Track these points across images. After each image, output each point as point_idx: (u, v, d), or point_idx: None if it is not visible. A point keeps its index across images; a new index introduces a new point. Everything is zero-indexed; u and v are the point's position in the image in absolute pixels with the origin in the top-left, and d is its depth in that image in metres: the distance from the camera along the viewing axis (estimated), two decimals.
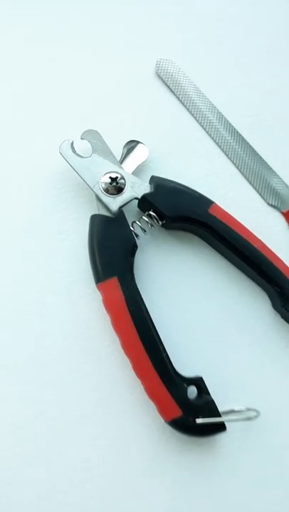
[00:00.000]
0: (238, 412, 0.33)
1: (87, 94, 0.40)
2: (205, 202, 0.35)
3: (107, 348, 0.35)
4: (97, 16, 0.42)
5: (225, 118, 0.41)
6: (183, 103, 0.41)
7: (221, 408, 0.32)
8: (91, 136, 0.35)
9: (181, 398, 0.32)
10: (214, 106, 0.41)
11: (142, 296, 0.33)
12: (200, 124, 0.40)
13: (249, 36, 0.43)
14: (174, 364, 0.32)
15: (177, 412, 0.32)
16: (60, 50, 0.41)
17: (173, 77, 0.41)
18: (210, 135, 0.40)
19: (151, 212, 0.35)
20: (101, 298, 0.33)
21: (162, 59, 0.41)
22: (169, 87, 0.41)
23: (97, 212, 0.34)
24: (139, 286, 0.33)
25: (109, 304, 0.33)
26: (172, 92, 0.41)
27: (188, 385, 0.32)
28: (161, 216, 0.35)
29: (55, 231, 0.36)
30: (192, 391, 0.33)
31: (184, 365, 0.33)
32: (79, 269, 0.36)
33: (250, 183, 0.39)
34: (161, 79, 0.41)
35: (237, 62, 0.42)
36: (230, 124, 0.41)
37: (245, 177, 0.39)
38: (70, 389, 0.34)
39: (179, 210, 0.34)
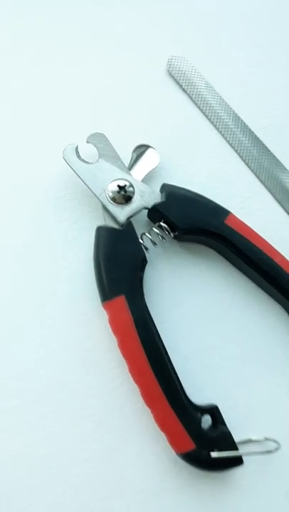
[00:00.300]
0: (256, 442, 0.31)
1: (93, 95, 0.37)
2: (221, 212, 0.32)
3: (113, 372, 0.32)
4: (105, 12, 0.40)
5: (242, 120, 0.38)
6: (196, 104, 0.38)
7: (237, 438, 0.30)
8: (97, 139, 0.33)
9: (194, 429, 0.29)
10: (230, 107, 0.38)
11: (152, 316, 0.30)
12: (215, 126, 0.38)
13: (267, 33, 0.40)
14: (186, 391, 0.30)
15: (190, 445, 0.29)
16: (65, 48, 0.38)
17: (186, 75, 0.38)
18: (226, 139, 0.37)
19: (162, 224, 0.32)
20: (107, 318, 0.31)
21: (174, 56, 0.38)
22: (181, 86, 0.38)
23: (103, 223, 0.32)
24: (148, 305, 0.31)
25: (116, 325, 0.30)
26: (185, 91, 0.38)
27: (203, 414, 0.30)
28: (173, 227, 0.32)
29: (57, 242, 0.34)
30: (206, 421, 0.30)
31: (198, 392, 0.31)
32: (83, 284, 0.33)
33: (269, 191, 0.36)
34: (173, 78, 0.38)
35: (255, 59, 0.39)
36: (247, 126, 0.38)
37: (264, 185, 0.36)
38: (73, 418, 0.31)
39: (193, 221, 0.32)
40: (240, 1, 0.41)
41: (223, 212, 0.32)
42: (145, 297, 0.30)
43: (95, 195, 0.32)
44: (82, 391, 0.32)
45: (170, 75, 0.38)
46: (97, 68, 0.38)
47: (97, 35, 0.39)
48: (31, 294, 0.33)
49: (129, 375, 0.30)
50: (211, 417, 0.30)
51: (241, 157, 0.37)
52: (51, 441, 0.31)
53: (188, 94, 0.38)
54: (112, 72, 0.38)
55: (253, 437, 0.31)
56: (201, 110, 0.38)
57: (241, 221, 0.33)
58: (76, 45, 0.39)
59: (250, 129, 0.38)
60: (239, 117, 0.38)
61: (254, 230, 0.32)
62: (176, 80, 0.38)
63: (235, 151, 0.37)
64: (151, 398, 0.29)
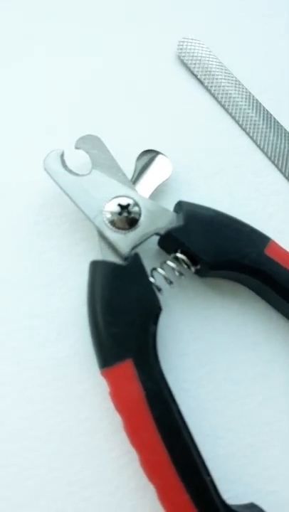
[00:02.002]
0: None
1: (83, 86, 0.32)
2: (259, 239, 0.27)
3: (118, 464, 0.25)
4: None
5: (274, 118, 0.32)
6: (216, 97, 0.32)
7: None
8: (90, 144, 0.28)
9: None
10: (259, 102, 0.32)
11: (170, 386, 0.24)
12: (241, 126, 0.32)
13: None
14: (218, 486, 0.23)
15: None
16: (52, 28, 0.34)
17: (201, 62, 0.33)
18: (256, 142, 0.31)
19: (179, 255, 0.27)
20: (108, 389, 0.24)
21: (186, 38, 0.33)
22: (195, 75, 0.33)
23: (100, 256, 0.26)
24: (163, 367, 0.24)
25: (121, 402, 0.23)
26: (201, 82, 0.33)
27: None
28: (194, 260, 0.27)
29: (37, 283, 0.28)
30: None
31: (233, 486, 0.25)
32: (73, 340, 0.27)
33: None
34: (185, 65, 0.33)
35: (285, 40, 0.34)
36: (282, 126, 0.31)
37: None
38: None
39: (222, 252, 0.26)
40: None
41: (263, 240, 0.27)
42: (159, 358, 0.24)
43: (88, 217, 0.27)
44: (75, 494, 0.24)
45: (181, 61, 0.33)
46: (88, 53, 0.33)
47: (92, 13, 0.35)
48: (4, 356, 0.26)
49: (141, 469, 0.23)
50: None
51: (276, 166, 0.31)
52: None
53: (204, 85, 0.33)
54: (108, 58, 0.33)
55: None
56: (222, 105, 0.32)
57: (285, 250, 0.27)
58: (70, 23, 0.34)
59: (285, 130, 0.31)
60: (270, 114, 0.32)
61: None
62: (188, 68, 0.33)
63: (269, 158, 0.31)
64: (175, 505, 0.22)
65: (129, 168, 0.29)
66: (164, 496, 0.23)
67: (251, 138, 0.31)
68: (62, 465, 0.24)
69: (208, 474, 0.23)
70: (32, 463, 0.24)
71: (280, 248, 0.26)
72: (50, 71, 0.32)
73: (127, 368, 0.23)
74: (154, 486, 0.23)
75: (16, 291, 0.27)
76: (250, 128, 0.31)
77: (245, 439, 0.26)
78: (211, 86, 0.31)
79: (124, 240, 0.26)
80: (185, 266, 0.27)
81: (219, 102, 0.31)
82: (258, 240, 0.26)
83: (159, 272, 0.26)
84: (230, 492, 0.24)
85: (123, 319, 0.24)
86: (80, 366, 0.26)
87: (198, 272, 0.27)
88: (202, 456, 0.23)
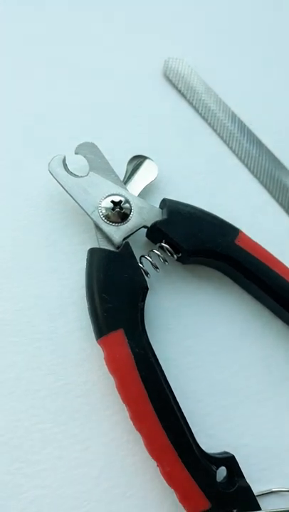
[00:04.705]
0: (280, 494, 0.27)
1: (81, 100, 0.34)
2: (230, 230, 0.29)
3: (112, 419, 0.28)
4: (94, 9, 0.36)
5: (247, 127, 0.35)
6: (197, 110, 0.35)
7: (257, 490, 0.26)
8: (87, 150, 0.30)
9: (209, 485, 0.25)
10: (234, 113, 0.35)
11: (155, 352, 0.27)
12: (218, 135, 0.34)
13: (271, 30, 0.37)
14: (197, 439, 0.26)
15: (205, 504, 0.25)
16: (51, 47, 0.36)
17: (184, 78, 0.35)
18: (231, 148, 0.34)
19: (163, 244, 0.29)
20: (103, 356, 0.27)
21: (171, 57, 0.36)
22: (179, 90, 0.35)
23: (96, 246, 0.29)
24: (151, 339, 0.27)
25: (113, 365, 0.26)
26: (184, 96, 0.35)
27: (218, 466, 0.26)
28: (176, 248, 0.29)
29: (43, 268, 0.30)
30: (221, 473, 0.26)
31: (210, 439, 0.28)
32: (73, 317, 0.29)
33: (281, 205, 0.32)
34: (171, 81, 0.36)
35: (260, 61, 0.37)
36: (253, 134, 0.35)
37: (275, 198, 0.33)
38: (66, 475, 0.27)
39: (199, 241, 0.29)
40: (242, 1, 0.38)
41: (233, 231, 0.29)
42: (147, 330, 0.27)
43: (86, 212, 0.29)
44: (77, 444, 0.27)
45: (167, 78, 0.36)
46: (86, 71, 0.35)
47: (84, 32, 0.36)
48: (13, 330, 0.29)
49: (131, 422, 0.26)
50: (227, 469, 0.26)
51: (249, 168, 0.34)
52: (41, 505, 0.26)
53: (187, 99, 0.35)
54: (102, 77, 0.35)
55: (275, 488, 0.27)
56: (203, 117, 0.35)
57: (253, 240, 0.29)
58: (63, 43, 0.36)
59: (257, 137, 0.34)
60: (244, 124, 0.35)
61: (267, 250, 0.29)
62: (173, 84, 0.35)
63: (242, 161, 0.34)
64: (158, 449, 0.25)
65: (121, 171, 0.31)
66: (149, 442, 0.26)
67: (227, 145, 0.34)
68: (65, 420, 0.27)
69: (187, 425, 0.26)
70: (39, 419, 0.27)
71: (249, 238, 0.29)
72: (51, 87, 0.34)
73: (119, 335, 0.26)
74: (140, 434, 0.26)
75: (26, 276, 0.30)
76: (227, 138, 0.34)
77: (220, 401, 0.29)
78: (192, 100, 0.34)
79: (117, 232, 0.29)
80: (168, 254, 0.29)
81: (200, 115, 0.34)
82: (230, 230, 0.29)
83: (146, 259, 0.29)
84: (206, 444, 0.27)
85: (116, 296, 0.27)
86: (79, 337, 0.28)
87: (179, 259, 0.30)
88: (182, 410, 0.26)
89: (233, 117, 0.35)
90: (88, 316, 0.27)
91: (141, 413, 0.26)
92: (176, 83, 0.35)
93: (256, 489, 0.26)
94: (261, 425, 0.28)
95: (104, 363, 0.27)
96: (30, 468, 0.27)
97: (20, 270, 0.30)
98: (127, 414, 0.26)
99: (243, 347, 0.30)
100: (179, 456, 0.25)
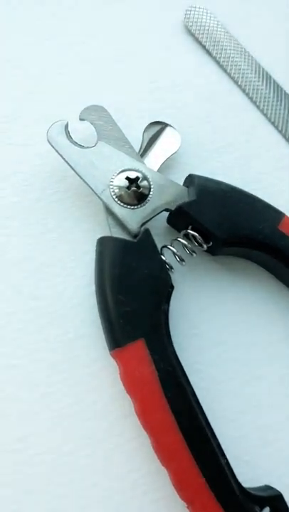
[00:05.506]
0: None
1: (89, 55, 0.31)
2: (273, 214, 0.26)
3: (129, 448, 0.24)
4: None
5: (285, 91, 0.31)
6: (225, 69, 0.31)
7: None
8: (95, 115, 0.27)
9: None
10: (269, 74, 0.31)
11: (183, 366, 0.23)
12: (248, 96, 0.31)
13: None
14: (236, 472, 0.22)
15: None
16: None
17: (208, 31, 0.31)
18: (264, 113, 0.31)
19: (190, 231, 0.26)
20: (118, 371, 0.23)
21: (193, 7, 0.32)
22: (203, 45, 0.31)
23: (107, 234, 0.25)
24: (177, 350, 0.23)
25: (132, 385, 0.22)
26: (208, 51, 0.31)
27: (262, 507, 0.22)
28: (207, 237, 0.25)
29: (40, 262, 0.27)
30: None
31: (246, 468, 0.24)
32: (80, 321, 0.25)
33: None
34: (192, 33, 0.32)
35: None
36: None
37: None
38: None
39: (235, 227, 0.25)
40: None
41: (276, 215, 0.26)
42: (173, 340, 0.23)
43: (94, 192, 0.26)
44: (82, 482, 0.23)
45: (188, 30, 0.32)
46: (95, 22, 0.32)
47: None
48: (4, 339, 0.25)
49: (154, 454, 0.22)
50: (273, 509, 0.23)
51: (288, 140, 0.29)
52: None
53: (212, 56, 0.31)
54: (115, 29, 0.32)
55: None
56: (231, 77, 0.31)
57: None
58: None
59: None
60: (280, 87, 0.31)
61: None
62: (195, 37, 0.32)
63: (280, 132, 0.30)
64: (190, 489, 0.22)
65: (136, 141, 0.27)
66: (178, 479, 0.22)
67: (261, 111, 0.30)
68: (72, 450, 0.23)
69: (224, 457, 0.22)
70: (41, 448, 0.23)
71: None
72: (52, 49, 0.31)
73: (139, 348, 0.22)
74: (167, 469, 0.22)
75: (19, 273, 0.26)
76: (260, 101, 0.30)
77: (257, 420, 0.25)
78: (220, 57, 0.30)
79: (133, 216, 0.25)
80: (196, 244, 0.25)
81: (228, 74, 0.30)
82: (272, 215, 0.25)
83: (169, 249, 0.25)
84: (244, 475, 0.23)
85: (134, 297, 0.23)
86: (87, 348, 0.25)
87: (209, 250, 0.26)
88: (217, 438, 0.22)
89: (268, 78, 0.31)
90: (98, 322, 0.23)
91: (168, 445, 0.22)
92: (199, 37, 0.31)
93: None
94: None
95: (118, 379, 0.23)
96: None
97: (13, 265, 0.26)
98: (146, 439, 0.22)
99: (283, 354, 0.26)
100: (216, 497, 0.21)
